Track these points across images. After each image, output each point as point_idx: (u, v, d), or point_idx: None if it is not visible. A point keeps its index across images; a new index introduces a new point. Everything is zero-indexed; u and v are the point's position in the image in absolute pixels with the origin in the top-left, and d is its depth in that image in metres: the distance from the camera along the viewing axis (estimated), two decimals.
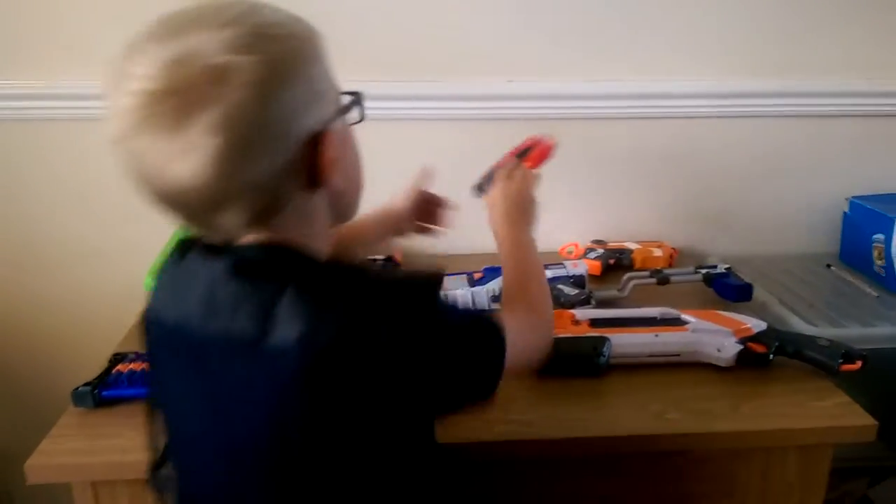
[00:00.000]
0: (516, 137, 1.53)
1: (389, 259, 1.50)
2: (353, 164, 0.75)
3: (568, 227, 1.60)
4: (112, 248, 1.51)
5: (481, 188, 1.12)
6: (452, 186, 1.57)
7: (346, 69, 1.41)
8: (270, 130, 0.60)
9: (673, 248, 1.52)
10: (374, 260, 1.48)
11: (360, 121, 0.72)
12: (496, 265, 1.34)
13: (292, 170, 0.63)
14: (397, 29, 1.47)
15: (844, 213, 1.59)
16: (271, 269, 0.64)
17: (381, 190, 1.54)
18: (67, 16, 1.41)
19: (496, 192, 1.02)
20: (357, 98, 0.71)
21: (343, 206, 0.75)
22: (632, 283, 1.30)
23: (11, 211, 1.50)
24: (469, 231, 1.59)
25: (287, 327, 0.59)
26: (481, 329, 0.69)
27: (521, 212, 1.00)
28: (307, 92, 0.63)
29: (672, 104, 1.54)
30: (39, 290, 1.55)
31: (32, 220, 1.51)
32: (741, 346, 1.06)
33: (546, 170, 1.58)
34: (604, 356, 1.04)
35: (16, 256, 1.53)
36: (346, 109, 0.71)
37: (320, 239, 0.71)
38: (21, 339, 1.55)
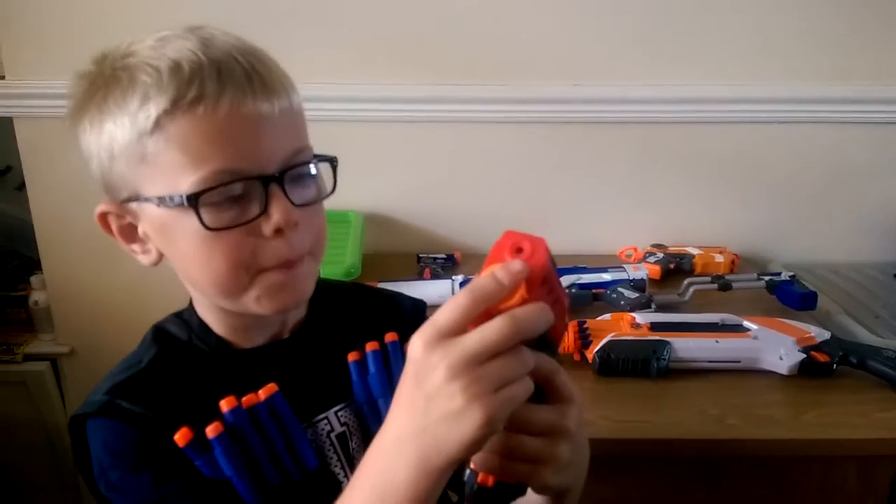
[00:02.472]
0: (582, 140, 1.56)
1: (450, 257, 1.53)
2: (191, 263, 0.62)
3: (627, 230, 1.61)
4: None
5: None
6: (517, 187, 1.60)
7: (414, 72, 1.48)
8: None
9: (735, 254, 1.52)
10: (435, 258, 1.52)
11: (207, 227, 0.57)
12: (556, 267, 1.36)
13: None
14: (464, 33, 1.49)
15: None
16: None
17: (448, 189, 1.59)
18: (135, 15, 1.48)
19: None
20: (192, 202, 0.57)
21: (197, 290, 0.67)
22: (693, 288, 1.31)
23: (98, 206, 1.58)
24: (530, 232, 1.62)
25: None
26: None
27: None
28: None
29: (738, 109, 1.54)
30: (123, 281, 1.61)
31: None
32: (804, 355, 1.06)
33: (607, 173, 1.60)
34: (664, 360, 1.05)
35: (102, 250, 1.60)
36: (164, 202, 0.58)
37: (212, 316, 0.68)
38: (105, 327, 1.64)
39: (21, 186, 1.60)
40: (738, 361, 1.08)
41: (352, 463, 0.71)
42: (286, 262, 0.60)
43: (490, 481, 0.52)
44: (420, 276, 1.43)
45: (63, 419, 1.70)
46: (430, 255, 1.53)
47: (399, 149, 1.57)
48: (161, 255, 0.64)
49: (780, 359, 1.06)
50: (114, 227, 0.64)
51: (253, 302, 0.62)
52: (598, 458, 0.96)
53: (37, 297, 1.65)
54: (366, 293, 0.83)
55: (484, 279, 0.46)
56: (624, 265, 1.40)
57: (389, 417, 0.49)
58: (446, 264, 1.51)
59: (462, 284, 1.31)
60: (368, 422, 0.72)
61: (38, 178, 1.57)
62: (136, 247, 0.65)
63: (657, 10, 1.49)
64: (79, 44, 1.47)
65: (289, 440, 0.66)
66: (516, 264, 0.46)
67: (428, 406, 0.45)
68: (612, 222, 1.63)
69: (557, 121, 1.54)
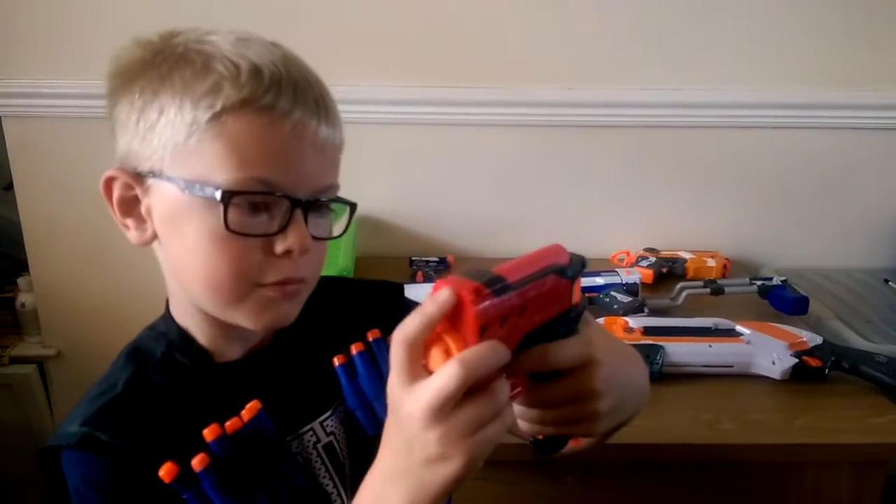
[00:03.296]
0: (575, 143, 1.56)
1: (443, 260, 1.52)
2: (192, 258, 0.60)
3: (620, 234, 1.61)
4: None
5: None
6: (510, 190, 1.60)
7: (409, 75, 1.47)
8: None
9: (727, 259, 1.52)
10: (428, 261, 1.51)
11: (229, 227, 0.57)
12: None
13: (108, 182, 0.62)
14: (458, 36, 1.49)
15: None
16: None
17: (441, 192, 1.59)
18: (132, 16, 1.46)
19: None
20: (224, 198, 0.56)
21: (184, 286, 0.63)
22: (685, 292, 1.31)
23: (85, 208, 1.56)
24: (523, 235, 1.62)
25: None
26: None
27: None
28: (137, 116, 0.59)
29: (730, 114, 1.54)
30: (111, 284, 1.62)
31: (104, 217, 1.55)
32: (796, 360, 1.06)
33: (600, 177, 1.60)
34: (657, 364, 1.05)
35: (89, 252, 1.60)
36: (193, 188, 0.57)
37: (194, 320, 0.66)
38: (92, 330, 1.63)
39: (9, 186, 1.59)
40: (731, 366, 1.08)
41: (342, 472, 0.69)
42: (286, 280, 0.60)
43: (540, 436, 0.57)
44: (413, 279, 1.42)
45: (50, 422, 1.68)
46: (423, 258, 1.52)
47: (391, 151, 1.56)
48: (154, 238, 0.62)
49: (773, 363, 1.06)
50: (115, 194, 0.62)
51: (241, 314, 0.61)
52: (590, 463, 0.96)
53: (24, 298, 1.63)
54: (341, 287, 0.81)
55: (408, 318, 0.46)
56: (616, 269, 1.40)
57: (379, 453, 0.51)
58: (439, 267, 1.51)
59: None
60: (365, 426, 0.70)
61: (27, 178, 1.56)
62: (130, 221, 0.62)
63: (651, 16, 1.49)
64: (70, 43, 1.48)
65: (275, 459, 0.64)
66: (441, 294, 0.46)
67: (409, 451, 0.47)
68: (605, 226, 1.63)
69: (551, 124, 1.54)
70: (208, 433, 0.60)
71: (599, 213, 1.62)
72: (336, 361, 0.71)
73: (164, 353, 0.66)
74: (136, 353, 0.66)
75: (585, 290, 1.31)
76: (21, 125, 1.52)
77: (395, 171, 1.59)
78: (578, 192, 1.60)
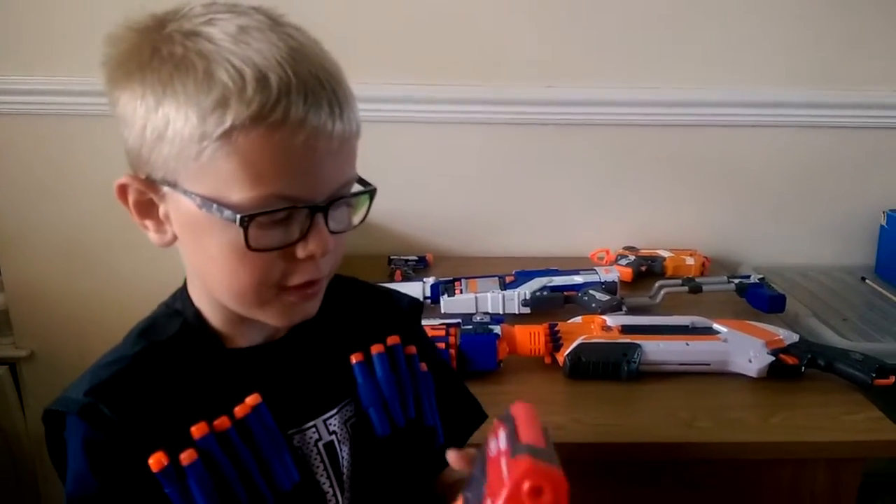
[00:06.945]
0: (554, 142, 1.55)
1: (422, 259, 1.51)
2: (214, 267, 0.60)
3: (599, 232, 1.61)
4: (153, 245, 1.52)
5: None
6: (489, 189, 1.60)
7: (387, 72, 1.46)
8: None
9: (705, 257, 1.52)
10: (406, 260, 1.50)
11: (248, 246, 0.56)
12: (528, 269, 1.35)
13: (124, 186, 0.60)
14: (437, 33, 1.48)
15: (881, 225, 1.57)
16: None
17: (420, 190, 1.58)
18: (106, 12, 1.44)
19: None
20: (244, 223, 0.55)
21: (207, 288, 0.64)
22: (663, 290, 1.31)
23: (58, 206, 1.55)
24: (503, 234, 1.62)
25: None
26: None
27: None
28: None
29: (709, 112, 1.55)
30: (84, 283, 1.59)
31: (78, 215, 1.55)
32: (773, 358, 1.06)
33: (580, 175, 1.60)
34: (634, 363, 1.05)
35: (62, 251, 1.58)
36: (210, 205, 0.55)
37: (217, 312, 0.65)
38: (65, 330, 1.61)
39: None
40: (708, 364, 1.08)
41: (339, 473, 0.68)
42: (309, 283, 0.60)
43: None
44: (391, 278, 1.41)
45: (23, 425, 1.65)
46: (402, 257, 1.51)
47: (370, 149, 1.54)
48: (174, 240, 0.61)
49: (750, 361, 1.06)
50: (131, 199, 0.60)
51: (264, 315, 0.62)
52: (567, 462, 0.95)
53: None
54: (362, 290, 0.80)
55: None
56: (595, 267, 1.39)
57: None
58: (417, 266, 1.50)
59: (433, 287, 1.30)
60: (376, 425, 0.70)
61: None
62: (149, 223, 0.61)
63: (630, 15, 1.49)
64: (42, 40, 1.45)
65: (263, 461, 0.63)
66: None
67: None
68: (584, 224, 1.63)
69: (530, 122, 1.54)
70: (196, 430, 0.59)
71: (579, 211, 1.62)
72: (353, 359, 0.70)
73: (177, 332, 0.65)
74: (151, 330, 0.65)
75: (565, 288, 1.31)
76: None
77: (373, 169, 1.56)
78: (558, 191, 1.60)
